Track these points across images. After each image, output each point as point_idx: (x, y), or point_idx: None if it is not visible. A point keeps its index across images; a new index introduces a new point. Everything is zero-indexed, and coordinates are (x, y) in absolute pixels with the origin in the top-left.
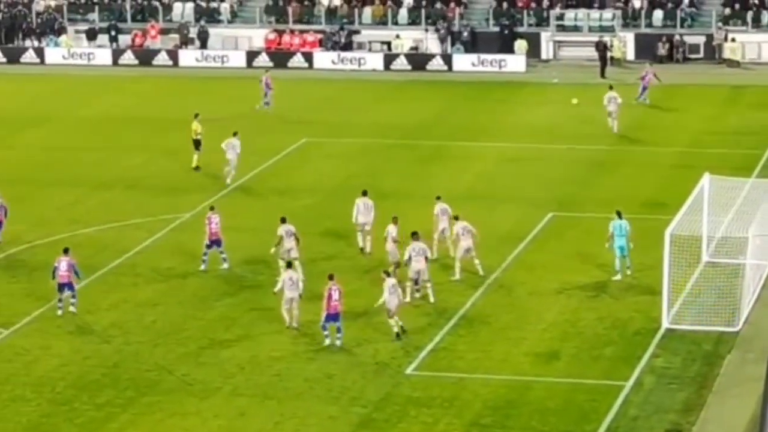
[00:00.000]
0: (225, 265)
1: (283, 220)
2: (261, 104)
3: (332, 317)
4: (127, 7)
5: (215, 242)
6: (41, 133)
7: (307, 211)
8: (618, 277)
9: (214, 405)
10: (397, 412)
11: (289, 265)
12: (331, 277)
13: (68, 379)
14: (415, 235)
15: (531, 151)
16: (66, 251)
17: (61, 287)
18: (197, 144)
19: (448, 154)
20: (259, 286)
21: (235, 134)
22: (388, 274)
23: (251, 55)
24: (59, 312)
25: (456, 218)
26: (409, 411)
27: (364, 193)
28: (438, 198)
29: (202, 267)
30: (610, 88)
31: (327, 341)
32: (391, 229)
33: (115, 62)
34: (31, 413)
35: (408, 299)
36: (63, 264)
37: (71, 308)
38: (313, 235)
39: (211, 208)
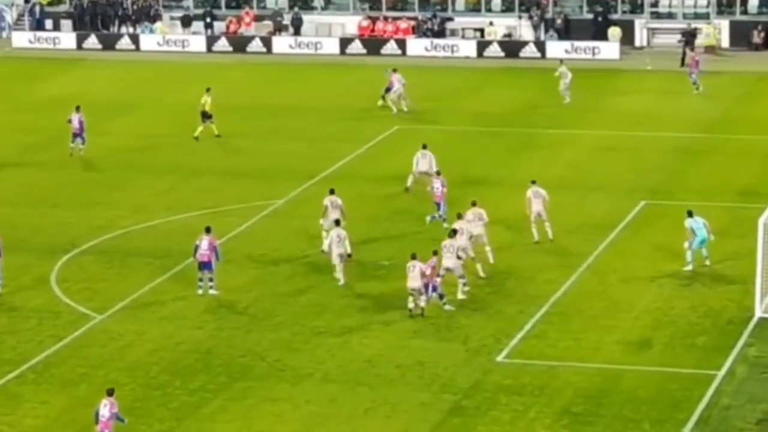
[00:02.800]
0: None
1: (332, 191)
2: (389, 100)
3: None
4: None
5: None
6: (136, 119)
7: (398, 199)
8: (690, 267)
9: (305, 391)
10: (488, 399)
11: (337, 222)
12: (413, 256)
13: (161, 364)
14: (452, 234)
15: (624, 139)
16: (208, 230)
17: (201, 266)
18: (204, 116)
19: (540, 142)
20: (350, 274)
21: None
22: (414, 257)
23: (344, 42)
24: (199, 291)
25: (473, 204)
26: (499, 398)
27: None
28: (533, 182)
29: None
30: (561, 62)
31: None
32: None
33: (209, 49)
34: (124, 397)
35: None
36: (204, 243)
37: (211, 290)
38: (404, 221)
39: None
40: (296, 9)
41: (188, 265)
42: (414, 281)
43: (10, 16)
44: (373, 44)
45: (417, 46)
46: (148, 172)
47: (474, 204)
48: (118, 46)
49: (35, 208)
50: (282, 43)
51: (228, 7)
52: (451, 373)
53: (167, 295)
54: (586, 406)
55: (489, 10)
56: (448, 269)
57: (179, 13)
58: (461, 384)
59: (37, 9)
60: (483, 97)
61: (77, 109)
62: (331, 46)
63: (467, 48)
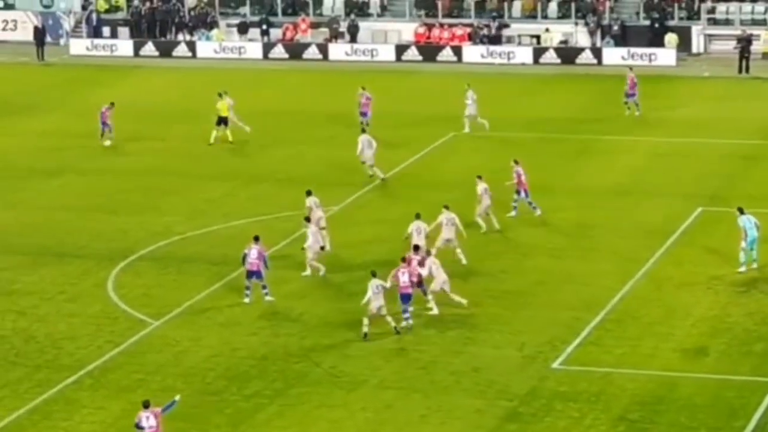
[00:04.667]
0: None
1: (309, 192)
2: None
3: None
4: (278, 0)
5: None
6: (193, 126)
7: (454, 205)
8: (743, 269)
9: (360, 397)
10: (544, 406)
11: (418, 216)
12: (403, 260)
13: (217, 370)
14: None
15: (681, 146)
16: (257, 239)
17: (250, 274)
18: (220, 121)
19: (597, 148)
20: None
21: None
22: (374, 275)
23: (400, 49)
24: (246, 300)
25: (446, 207)
26: (555, 405)
27: (418, 216)
28: (479, 177)
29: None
30: (468, 86)
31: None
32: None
33: (265, 56)
34: (180, 403)
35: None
36: (253, 252)
37: (267, 297)
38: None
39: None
40: (352, 16)
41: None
42: (378, 300)
43: (67, 24)
44: (429, 51)
45: (473, 52)
46: (205, 179)
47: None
48: (174, 53)
49: (94, 214)
50: (338, 50)
51: (285, 14)
52: (507, 380)
53: (223, 302)
54: (642, 413)
55: (545, 16)
56: (448, 240)
57: (236, 20)
58: (517, 390)
59: (95, 16)
60: (539, 103)
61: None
62: (387, 53)
63: (523, 55)
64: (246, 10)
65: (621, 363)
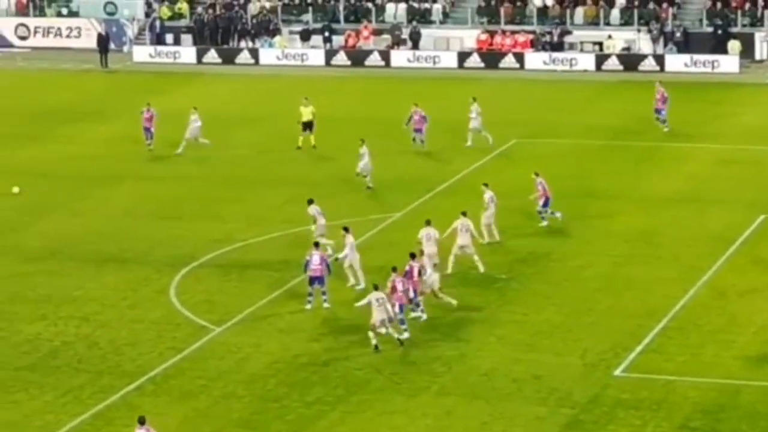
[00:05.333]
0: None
1: (428, 222)
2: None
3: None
4: (341, 8)
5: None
6: (255, 133)
7: (515, 213)
8: None
9: (421, 404)
10: (606, 413)
11: (428, 223)
12: (394, 270)
13: (279, 377)
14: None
15: (743, 153)
16: (317, 245)
17: (312, 280)
18: (305, 126)
19: (659, 156)
20: (467, 285)
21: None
22: (376, 288)
23: (463, 56)
24: (308, 306)
25: (463, 214)
26: (617, 413)
27: (428, 223)
28: (485, 185)
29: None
30: (474, 99)
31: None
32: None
33: (327, 63)
34: (242, 410)
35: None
36: (315, 258)
37: (325, 304)
38: (522, 236)
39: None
40: (415, 23)
41: (305, 278)
42: (381, 313)
43: (131, 31)
44: (491, 58)
45: (535, 59)
46: (267, 185)
47: (428, 223)
48: (237, 60)
49: (156, 221)
50: (400, 57)
51: (347, 21)
52: (569, 387)
53: (284, 308)
54: (703, 421)
55: (608, 23)
56: (462, 246)
57: (298, 27)
58: (578, 398)
59: (158, 24)
60: (601, 110)
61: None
62: (449, 60)
63: (586, 61)
64: (308, 17)
65: (683, 371)
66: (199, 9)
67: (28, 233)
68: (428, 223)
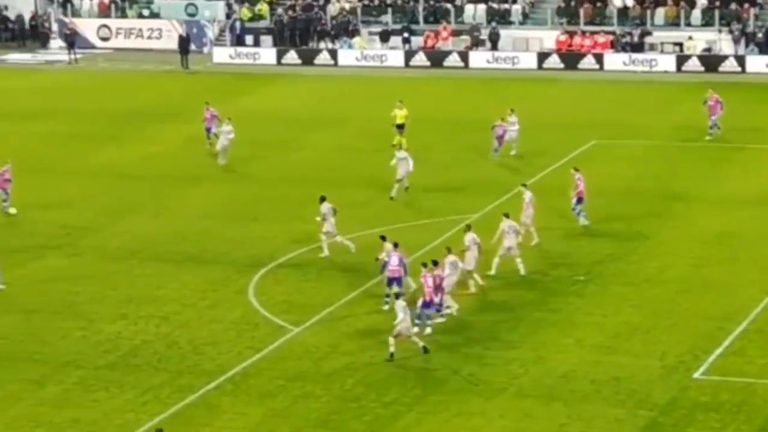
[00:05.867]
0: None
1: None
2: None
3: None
4: (420, 9)
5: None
6: (334, 134)
7: (594, 214)
8: None
9: (498, 405)
10: (685, 416)
11: (469, 228)
12: (424, 265)
13: (356, 377)
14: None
15: None
16: (396, 246)
17: (390, 282)
18: (399, 127)
19: (740, 157)
20: (542, 289)
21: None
22: (398, 296)
23: (542, 57)
24: (386, 307)
25: (506, 216)
26: (696, 415)
27: (469, 228)
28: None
29: None
30: (511, 111)
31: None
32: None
33: (406, 64)
34: (320, 409)
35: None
36: (394, 258)
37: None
38: (600, 237)
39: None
40: (494, 24)
41: (383, 279)
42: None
43: (211, 32)
44: (571, 59)
45: (615, 60)
46: (345, 186)
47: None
48: (316, 61)
49: (235, 222)
50: (479, 58)
51: (426, 21)
52: (647, 389)
53: (362, 308)
54: None
55: (688, 24)
56: (509, 248)
57: (378, 28)
58: (657, 400)
59: (238, 25)
60: (681, 111)
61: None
62: (528, 61)
63: (666, 62)
64: (388, 18)
65: (763, 373)
66: (279, 10)
67: (108, 233)
68: (468, 228)
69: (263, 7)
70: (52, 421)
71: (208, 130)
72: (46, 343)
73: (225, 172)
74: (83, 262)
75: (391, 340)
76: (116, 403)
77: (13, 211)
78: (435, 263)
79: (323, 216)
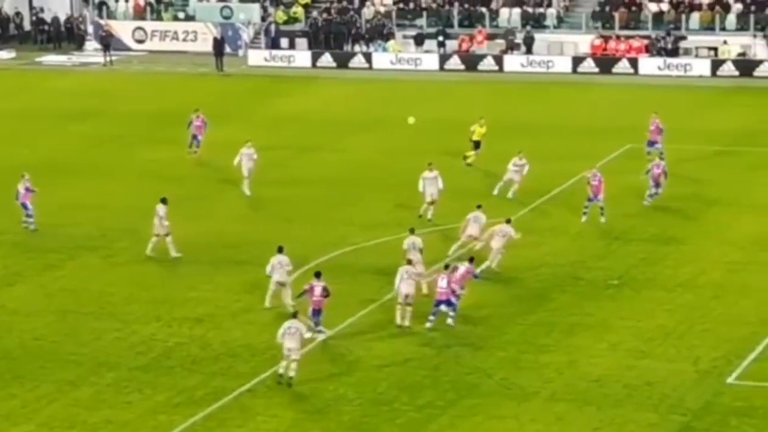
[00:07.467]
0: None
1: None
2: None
3: (316, 312)
4: (455, 12)
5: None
6: (369, 137)
7: (628, 219)
8: None
9: (531, 409)
10: (718, 421)
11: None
12: (317, 275)
13: (390, 380)
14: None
15: None
16: (318, 276)
17: (314, 312)
18: (476, 144)
19: None
20: (579, 291)
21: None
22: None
23: (576, 61)
24: (428, 324)
25: (508, 221)
26: (730, 421)
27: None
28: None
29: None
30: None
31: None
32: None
33: (441, 67)
34: (352, 412)
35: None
36: (317, 289)
37: (449, 320)
38: (635, 242)
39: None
40: (528, 28)
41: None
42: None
43: (246, 35)
44: (606, 63)
45: (650, 64)
46: (381, 189)
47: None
48: (351, 65)
49: (270, 224)
50: (514, 62)
51: (461, 25)
52: (681, 394)
53: (395, 312)
54: None
55: (723, 28)
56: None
57: (412, 32)
58: (691, 405)
59: (273, 28)
60: (717, 116)
61: (196, 111)
62: (563, 65)
63: (701, 67)
64: (422, 21)
65: None
66: (314, 13)
67: (143, 235)
68: (412, 231)
69: (298, 10)
70: (86, 421)
71: (194, 137)
72: (81, 344)
73: (260, 174)
74: (118, 263)
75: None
76: (149, 404)
77: (33, 227)
78: (446, 267)
79: (159, 218)
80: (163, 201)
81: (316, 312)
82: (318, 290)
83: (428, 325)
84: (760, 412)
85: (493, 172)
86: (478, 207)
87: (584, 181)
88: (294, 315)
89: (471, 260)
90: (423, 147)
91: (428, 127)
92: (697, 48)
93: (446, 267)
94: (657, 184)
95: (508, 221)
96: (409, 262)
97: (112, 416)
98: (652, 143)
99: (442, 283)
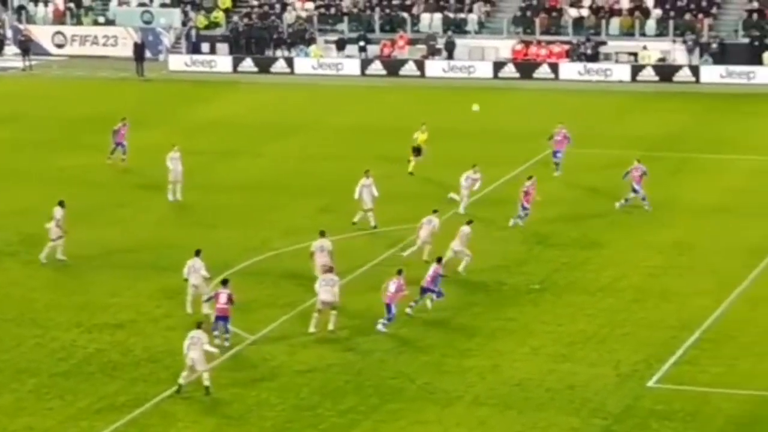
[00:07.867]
0: None
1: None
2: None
3: (220, 319)
4: (376, 17)
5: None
6: (291, 142)
7: (550, 223)
8: None
9: (455, 413)
10: (639, 425)
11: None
12: (223, 282)
13: (312, 385)
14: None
15: None
16: (225, 283)
17: (217, 319)
18: (417, 151)
19: (695, 167)
20: (500, 296)
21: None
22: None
23: (498, 66)
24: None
25: (468, 223)
26: (650, 424)
27: (322, 234)
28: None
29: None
30: (473, 166)
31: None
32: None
33: (362, 72)
34: (275, 418)
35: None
36: (222, 296)
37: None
38: (556, 246)
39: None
40: (450, 33)
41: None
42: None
43: (167, 40)
44: (527, 68)
45: (570, 70)
46: (302, 195)
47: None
48: (273, 69)
49: (192, 229)
50: (435, 67)
51: (382, 30)
52: (602, 398)
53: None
54: None
55: (643, 34)
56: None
57: (334, 37)
58: (612, 409)
59: (194, 33)
60: (637, 121)
61: (123, 119)
62: (484, 70)
63: (621, 72)
64: (344, 26)
65: (717, 383)
66: (235, 18)
67: (66, 240)
68: (322, 234)
69: (219, 15)
70: (7, 428)
71: (119, 144)
72: (1, 350)
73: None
74: (39, 269)
75: (185, 373)
76: (71, 411)
77: None
78: (439, 260)
79: (56, 221)
80: (61, 204)
81: (221, 318)
82: (222, 297)
83: (408, 311)
84: (680, 415)
85: (430, 177)
86: (434, 212)
87: (520, 188)
88: (198, 326)
89: (439, 260)
90: (345, 152)
91: (350, 133)
92: (617, 53)
93: (399, 272)
94: (635, 190)
95: (470, 222)
96: (330, 268)
97: (33, 423)
98: (555, 153)
99: (391, 287)
